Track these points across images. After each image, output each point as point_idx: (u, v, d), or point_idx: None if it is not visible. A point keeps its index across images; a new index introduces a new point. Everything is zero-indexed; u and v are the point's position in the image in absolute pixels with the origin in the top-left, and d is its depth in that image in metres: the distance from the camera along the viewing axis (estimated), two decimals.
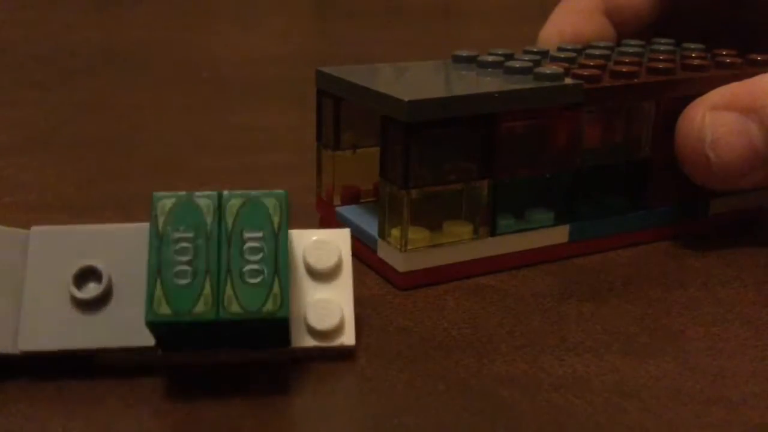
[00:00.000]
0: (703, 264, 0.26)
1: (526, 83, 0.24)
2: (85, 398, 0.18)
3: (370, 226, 0.25)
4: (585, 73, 0.25)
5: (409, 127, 0.22)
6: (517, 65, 0.25)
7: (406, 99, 0.22)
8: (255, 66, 0.58)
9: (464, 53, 0.27)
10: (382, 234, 0.24)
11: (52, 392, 0.18)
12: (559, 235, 0.25)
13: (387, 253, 0.24)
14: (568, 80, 0.24)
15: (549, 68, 0.24)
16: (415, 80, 0.25)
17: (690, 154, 0.25)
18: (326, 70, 0.26)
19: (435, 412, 0.18)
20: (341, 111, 0.26)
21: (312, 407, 0.18)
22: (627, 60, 0.27)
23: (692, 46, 0.30)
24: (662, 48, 0.30)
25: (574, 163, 0.25)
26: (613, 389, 0.19)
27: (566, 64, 0.26)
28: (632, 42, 0.30)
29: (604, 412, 0.18)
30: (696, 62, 0.27)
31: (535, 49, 0.28)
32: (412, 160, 0.22)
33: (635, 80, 0.25)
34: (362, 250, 0.25)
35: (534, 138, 0.24)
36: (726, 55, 0.28)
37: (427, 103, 0.22)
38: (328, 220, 0.27)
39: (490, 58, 0.26)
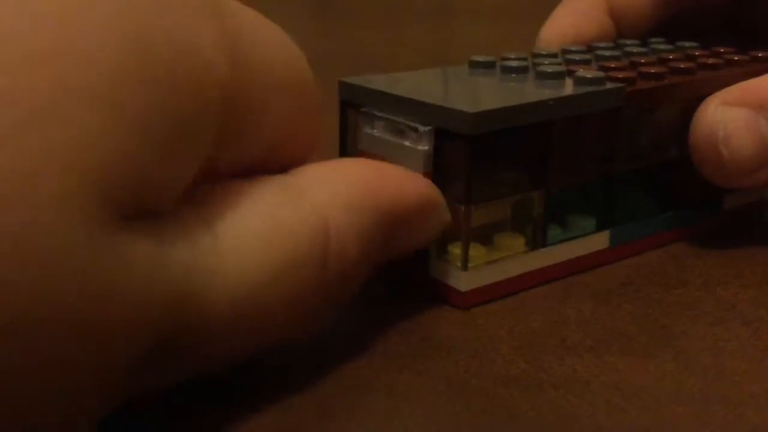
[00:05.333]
0: (703, 264, 0.26)
1: (573, 89, 0.23)
2: None
3: None
4: (620, 76, 0.24)
5: (471, 140, 0.21)
6: (550, 70, 0.24)
7: (471, 111, 0.21)
8: None
9: (481, 58, 0.26)
10: (437, 252, 0.23)
11: None
12: (601, 241, 0.25)
13: (443, 272, 0.22)
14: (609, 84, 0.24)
15: (589, 72, 0.24)
16: (460, 89, 0.24)
17: (703, 150, 0.25)
18: (351, 80, 0.24)
19: (435, 412, 0.18)
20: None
21: (311, 408, 0.18)
22: (650, 60, 0.27)
23: (691, 44, 0.30)
24: (667, 47, 0.30)
25: (615, 167, 0.25)
26: (613, 389, 0.19)
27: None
28: (629, 42, 0.30)
29: (604, 412, 0.18)
30: (710, 61, 0.27)
31: (544, 52, 0.27)
32: (475, 175, 0.21)
33: (665, 81, 0.25)
34: (404, 269, 0.23)
35: (581, 144, 0.24)
36: (735, 53, 0.28)
37: (490, 114, 0.21)
38: None
39: (513, 63, 0.25)
